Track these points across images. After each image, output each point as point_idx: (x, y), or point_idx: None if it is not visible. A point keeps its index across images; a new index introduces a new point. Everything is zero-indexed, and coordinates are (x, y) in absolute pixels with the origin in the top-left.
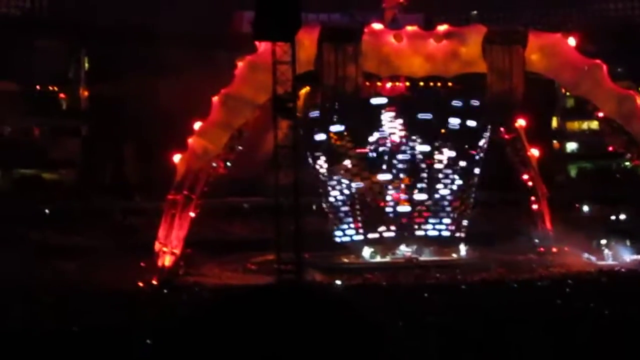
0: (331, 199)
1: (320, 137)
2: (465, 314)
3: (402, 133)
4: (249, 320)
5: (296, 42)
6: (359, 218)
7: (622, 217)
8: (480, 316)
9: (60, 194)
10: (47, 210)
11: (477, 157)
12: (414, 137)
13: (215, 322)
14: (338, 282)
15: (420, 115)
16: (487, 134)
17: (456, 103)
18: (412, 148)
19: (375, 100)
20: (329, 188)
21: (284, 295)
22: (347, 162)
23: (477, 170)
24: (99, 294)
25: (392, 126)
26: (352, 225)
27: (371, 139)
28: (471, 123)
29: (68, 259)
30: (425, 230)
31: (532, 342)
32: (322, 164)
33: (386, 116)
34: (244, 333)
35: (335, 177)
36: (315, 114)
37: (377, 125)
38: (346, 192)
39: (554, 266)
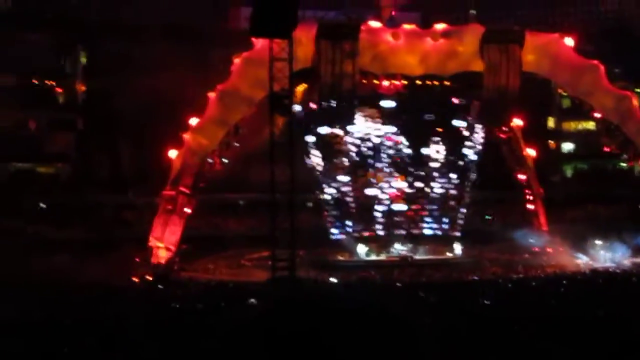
0: (327, 196)
1: (315, 134)
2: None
3: (399, 132)
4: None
5: (293, 39)
6: (355, 216)
7: (618, 217)
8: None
9: (55, 187)
10: (42, 204)
11: (473, 156)
12: (410, 136)
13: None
14: (333, 279)
15: (417, 114)
16: (483, 133)
17: (452, 102)
18: (409, 146)
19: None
20: (325, 185)
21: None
22: (343, 160)
23: (473, 170)
24: (93, 288)
25: (388, 125)
26: (347, 223)
27: (368, 137)
28: (467, 122)
29: (62, 253)
30: (421, 228)
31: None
32: (318, 161)
33: (383, 115)
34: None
35: (331, 174)
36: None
37: (371, 124)
38: (342, 189)
39: (548, 266)
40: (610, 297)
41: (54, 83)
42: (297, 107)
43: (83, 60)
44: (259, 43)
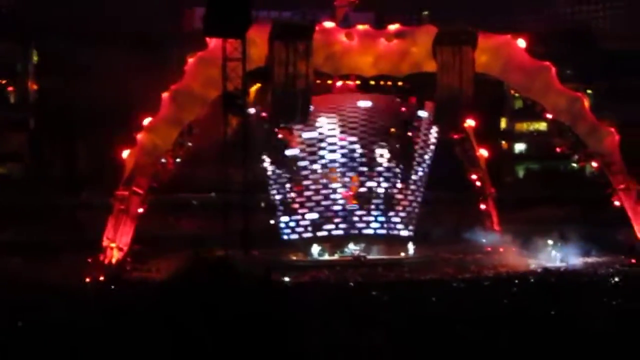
0: (279, 196)
1: (268, 134)
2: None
3: (350, 132)
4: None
5: (247, 39)
6: (307, 216)
7: (569, 217)
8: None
9: (7, 188)
10: None
11: (425, 157)
12: (362, 136)
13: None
14: (286, 279)
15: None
16: (436, 134)
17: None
18: (362, 147)
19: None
20: (277, 185)
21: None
22: (296, 160)
23: (426, 170)
24: (45, 289)
25: (339, 125)
26: (300, 223)
27: (319, 137)
28: (420, 123)
29: (14, 254)
30: (374, 228)
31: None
32: (270, 161)
33: (333, 116)
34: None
35: (283, 175)
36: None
37: (323, 125)
38: (295, 189)
39: (500, 266)
40: (562, 296)
41: (5, 82)
42: (252, 110)
43: (35, 59)
44: (213, 43)
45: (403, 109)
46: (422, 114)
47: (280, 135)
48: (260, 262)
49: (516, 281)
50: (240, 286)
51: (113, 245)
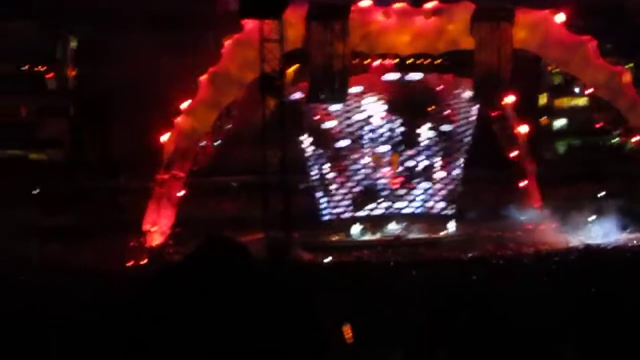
0: (318, 177)
1: (307, 115)
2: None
3: (389, 111)
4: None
5: (284, 20)
6: (347, 196)
7: (611, 193)
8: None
9: (47, 174)
10: (34, 191)
11: (465, 135)
12: (402, 115)
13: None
14: (327, 259)
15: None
16: (475, 112)
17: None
18: (401, 125)
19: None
20: (317, 165)
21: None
22: (336, 139)
23: (466, 148)
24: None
25: (378, 105)
26: (340, 203)
27: (359, 116)
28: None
29: (55, 240)
30: (414, 207)
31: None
32: (309, 141)
33: (372, 96)
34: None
35: (322, 154)
36: (296, 95)
37: (362, 104)
38: (335, 169)
39: (541, 243)
40: (603, 273)
41: (44, 69)
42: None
43: (73, 45)
44: (249, 24)
45: (442, 86)
46: (461, 91)
47: (318, 116)
48: (300, 242)
49: (556, 258)
50: (250, 267)
51: (154, 229)
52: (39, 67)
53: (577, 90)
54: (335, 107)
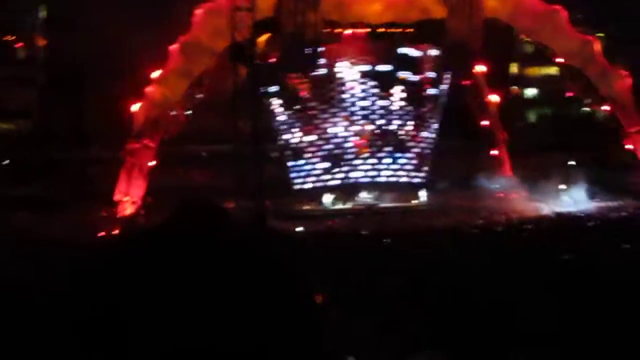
0: (290, 146)
1: (277, 83)
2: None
3: (360, 80)
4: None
5: None
6: (319, 165)
7: (581, 162)
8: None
9: (16, 144)
10: (2, 161)
11: (436, 103)
12: (371, 84)
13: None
14: (299, 228)
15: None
16: (446, 80)
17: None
18: (371, 95)
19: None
20: (288, 134)
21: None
22: (305, 109)
23: (437, 117)
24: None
25: (350, 74)
26: (311, 172)
27: (331, 85)
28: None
29: (25, 210)
30: (386, 176)
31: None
32: (280, 111)
33: (343, 64)
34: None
35: (293, 124)
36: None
37: (334, 73)
38: (305, 138)
39: (513, 212)
40: (576, 241)
41: (12, 39)
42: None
43: (43, 14)
44: None
45: (412, 55)
46: (431, 60)
47: (290, 85)
48: (271, 211)
49: (529, 226)
50: (230, 232)
51: (126, 199)
52: (8, 36)
53: (547, 59)
54: (305, 76)
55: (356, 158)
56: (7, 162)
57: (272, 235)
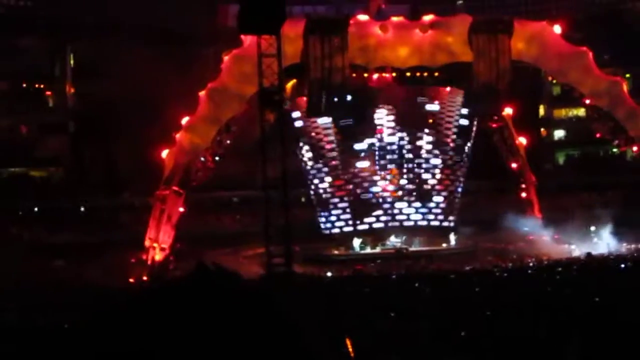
0: (319, 191)
1: (306, 129)
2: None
3: (390, 124)
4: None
5: (282, 35)
6: (348, 209)
7: (611, 203)
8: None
9: (48, 191)
10: (36, 209)
11: (465, 147)
12: (400, 128)
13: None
14: (329, 273)
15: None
16: (475, 124)
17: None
18: (400, 139)
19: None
20: (317, 179)
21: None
22: (335, 154)
23: (465, 159)
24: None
25: (378, 117)
26: (341, 217)
27: (358, 130)
28: (458, 113)
29: (58, 257)
30: (415, 220)
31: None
32: (308, 156)
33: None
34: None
35: (322, 169)
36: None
37: (364, 117)
38: (335, 183)
39: (543, 254)
40: (607, 283)
41: (43, 86)
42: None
43: (71, 62)
44: (248, 40)
45: (441, 99)
46: (460, 104)
47: (318, 130)
48: (300, 256)
49: (559, 269)
50: (241, 293)
51: (155, 245)
52: (38, 84)
53: (576, 100)
54: (333, 121)
55: (385, 202)
56: (37, 209)
57: (286, 294)
